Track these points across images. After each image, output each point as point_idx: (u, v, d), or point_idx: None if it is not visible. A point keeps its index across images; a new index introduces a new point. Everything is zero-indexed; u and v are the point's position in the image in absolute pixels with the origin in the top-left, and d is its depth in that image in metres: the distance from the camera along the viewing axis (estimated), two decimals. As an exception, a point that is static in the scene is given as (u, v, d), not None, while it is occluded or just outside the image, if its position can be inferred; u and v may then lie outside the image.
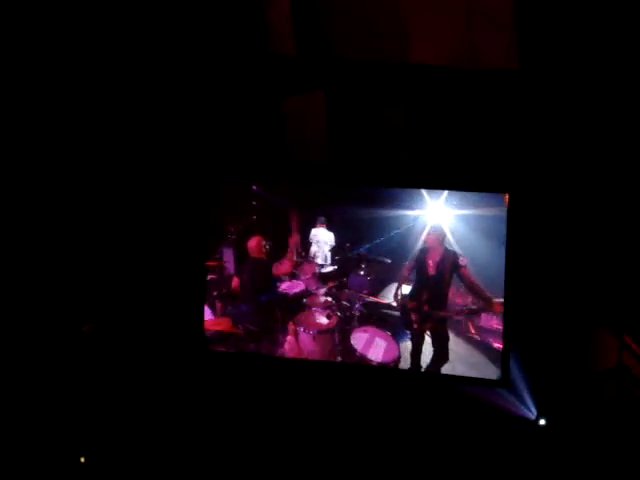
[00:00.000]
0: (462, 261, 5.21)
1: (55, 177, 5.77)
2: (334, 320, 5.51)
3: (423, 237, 5.28)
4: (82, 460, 5.44)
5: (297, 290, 5.60)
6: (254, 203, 5.58)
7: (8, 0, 5.54)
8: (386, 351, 5.41)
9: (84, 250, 5.80)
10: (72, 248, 5.80)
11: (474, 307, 5.22)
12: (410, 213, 5.27)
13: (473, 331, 5.27)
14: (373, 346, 5.45)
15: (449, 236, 5.23)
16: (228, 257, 5.65)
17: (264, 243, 5.60)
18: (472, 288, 5.21)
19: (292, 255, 5.57)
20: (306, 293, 5.58)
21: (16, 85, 5.62)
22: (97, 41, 5.62)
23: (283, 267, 5.62)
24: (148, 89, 5.67)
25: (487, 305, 5.20)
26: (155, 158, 5.72)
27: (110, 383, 5.70)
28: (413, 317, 5.37)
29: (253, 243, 5.64)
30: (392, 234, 5.30)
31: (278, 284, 5.61)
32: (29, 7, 5.56)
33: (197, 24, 5.55)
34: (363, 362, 5.42)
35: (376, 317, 5.45)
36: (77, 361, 5.71)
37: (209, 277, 5.64)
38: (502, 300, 5.16)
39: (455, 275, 5.25)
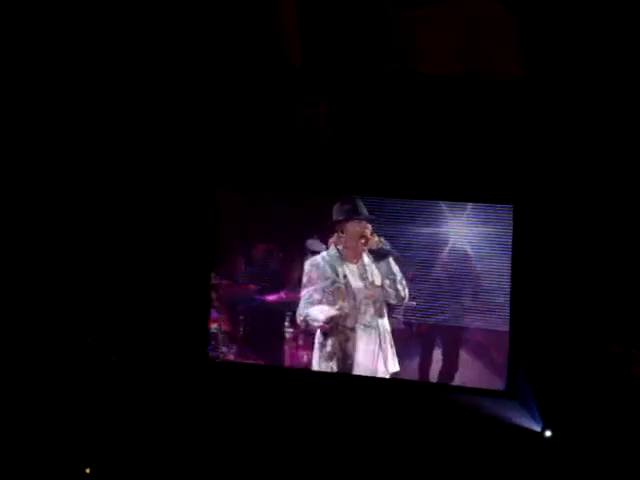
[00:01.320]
0: None
1: (56, 183, 5.79)
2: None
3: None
4: (87, 471, 5.45)
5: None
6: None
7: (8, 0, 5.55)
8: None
9: (86, 258, 5.81)
10: (74, 256, 5.81)
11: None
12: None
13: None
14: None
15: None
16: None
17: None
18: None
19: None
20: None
21: (11, 89, 5.65)
22: (103, 45, 5.63)
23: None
24: (146, 91, 5.68)
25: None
26: (162, 166, 5.72)
27: (115, 394, 5.71)
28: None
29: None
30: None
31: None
32: (29, 7, 5.57)
33: (201, 28, 5.57)
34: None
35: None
36: (82, 372, 5.73)
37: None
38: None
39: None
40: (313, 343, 5.51)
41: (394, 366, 5.39)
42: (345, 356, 5.44)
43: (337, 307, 5.42)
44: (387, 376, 5.41)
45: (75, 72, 5.66)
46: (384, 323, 5.39)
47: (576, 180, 5.11)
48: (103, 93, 5.70)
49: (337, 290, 5.41)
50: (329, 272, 5.42)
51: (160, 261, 5.76)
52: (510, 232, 5.15)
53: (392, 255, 5.32)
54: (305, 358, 5.54)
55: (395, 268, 5.32)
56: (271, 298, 5.61)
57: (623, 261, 5.07)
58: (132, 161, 5.75)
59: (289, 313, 5.56)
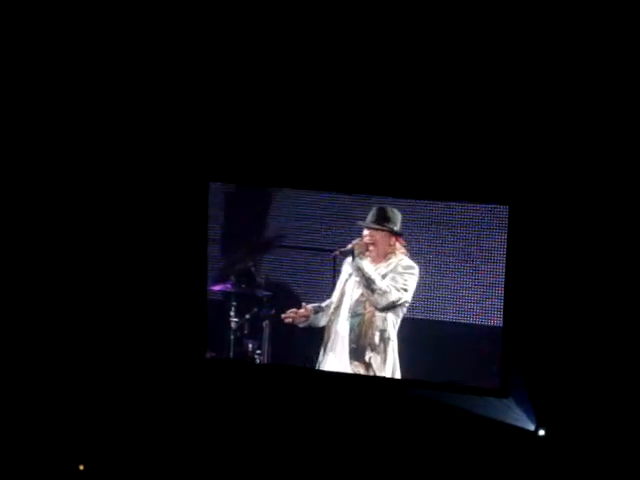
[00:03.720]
0: None
1: (44, 180, 5.72)
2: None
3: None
4: (81, 468, 5.47)
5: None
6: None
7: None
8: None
9: (78, 255, 5.76)
10: (68, 254, 5.76)
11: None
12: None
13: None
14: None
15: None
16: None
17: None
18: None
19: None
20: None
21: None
22: (92, 42, 5.54)
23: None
24: (144, 91, 5.59)
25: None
26: (159, 166, 5.65)
27: (108, 393, 5.70)
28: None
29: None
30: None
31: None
32: (23, 7, 5.50)
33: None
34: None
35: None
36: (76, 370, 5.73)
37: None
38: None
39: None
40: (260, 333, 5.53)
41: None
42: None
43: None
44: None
45: (64, 69, 5.57)
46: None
47: (570, 181, 5.05)
48: (92, 88, 5.60)
49: None
50: None
51: (154, 256, 5.71)
52: (505, 232, 5.13)
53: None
54: (250, 347, 5.56)
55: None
56: (217, 288, 5.61)
57: (617, 260, 5.04)
58: (125, 159, 5.69)
59: (234, 303, 5.57)
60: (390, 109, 5.26)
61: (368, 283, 5.24)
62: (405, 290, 5.23)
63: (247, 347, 5.57)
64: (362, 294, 5.30)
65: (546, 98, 5.02)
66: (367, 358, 5.30)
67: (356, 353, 5.32)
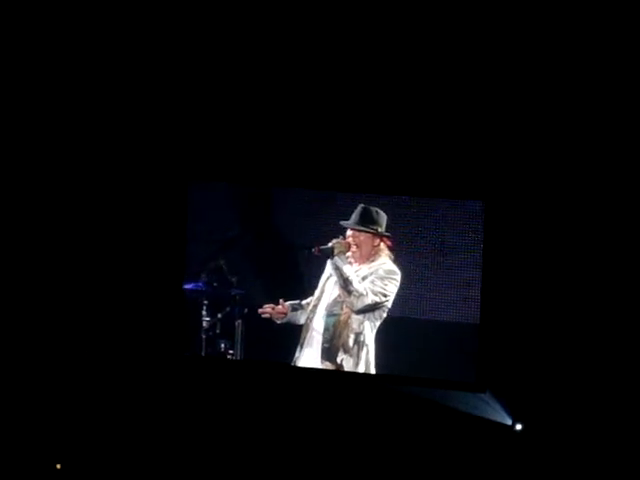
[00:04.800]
0: None
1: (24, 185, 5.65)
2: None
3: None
4: (58, 467, 5.39)
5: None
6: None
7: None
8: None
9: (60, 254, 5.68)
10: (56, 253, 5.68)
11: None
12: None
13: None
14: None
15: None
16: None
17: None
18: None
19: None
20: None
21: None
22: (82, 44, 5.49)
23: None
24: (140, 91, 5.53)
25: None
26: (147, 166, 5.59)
27: (85, 391, 5.61)
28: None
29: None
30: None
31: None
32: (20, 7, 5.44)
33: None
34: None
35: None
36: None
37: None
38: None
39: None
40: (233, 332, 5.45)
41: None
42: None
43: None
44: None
45: (55, 70, 5.53)
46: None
47: (545, 176, 5.05)
48: (77, 88, 5.55)
49: None
50: None
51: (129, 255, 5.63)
52: (481, 227, 5.12)
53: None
54: (222, 347, 5.48)
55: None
56: (188, 287, 5.52)
57: (593, 253, 5.05)
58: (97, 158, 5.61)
59: (205, 302, 5.48)
60: (363, 106, 5.24)
61: (345, 284, 5.16)
62: (384, 295, 5.15)
63: (219, 347, 5.48)
64: (339, 294, 5.22)
65: (519, 94, 5.03)
66: (339, 360, 5.22)
67: (328, 353, 5.24)
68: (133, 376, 5.58)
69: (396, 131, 5.22)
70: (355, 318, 5.19)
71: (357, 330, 5.20)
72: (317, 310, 5.28)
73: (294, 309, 5.32)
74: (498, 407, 5.22)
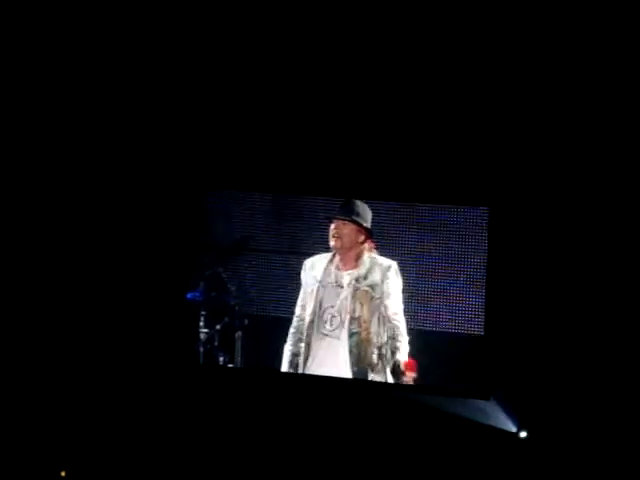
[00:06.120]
0: None
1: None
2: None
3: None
4: (62, 474, 5.32)
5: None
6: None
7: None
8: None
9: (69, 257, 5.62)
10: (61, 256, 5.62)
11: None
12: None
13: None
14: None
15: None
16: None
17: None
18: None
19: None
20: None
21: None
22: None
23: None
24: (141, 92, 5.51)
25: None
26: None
27: (86, 397, 5.53)
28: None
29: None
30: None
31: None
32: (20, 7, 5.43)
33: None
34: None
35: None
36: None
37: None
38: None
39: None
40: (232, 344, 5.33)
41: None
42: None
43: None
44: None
45: (59, 73, 5.50)
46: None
47: (550, 182, 5.06)
48: (87, 92, 5.53)
49: None
50: None
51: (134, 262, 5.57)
52: (486, 235, 5.11)
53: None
54: (221, 360, 5.37)
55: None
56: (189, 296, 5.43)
57: (599, 259, 5.06)
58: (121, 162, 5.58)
59: (203, 312, 5.37)
60: (368, 112, 5.24)
61: None
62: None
63: (218, 360, 5.35)
64: (354, 309, 5.03)
65: (524, 100, 5.04)
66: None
67: (359, 376, 5.02)
68: (134, 383, 5.51)
69: (402, 138, 5.22)
70: (374, 332, 5.02)
71: (378, 344, 5.06)
72: (316, 327, 5.06)
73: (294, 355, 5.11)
74: (503, 414, 5.21)
